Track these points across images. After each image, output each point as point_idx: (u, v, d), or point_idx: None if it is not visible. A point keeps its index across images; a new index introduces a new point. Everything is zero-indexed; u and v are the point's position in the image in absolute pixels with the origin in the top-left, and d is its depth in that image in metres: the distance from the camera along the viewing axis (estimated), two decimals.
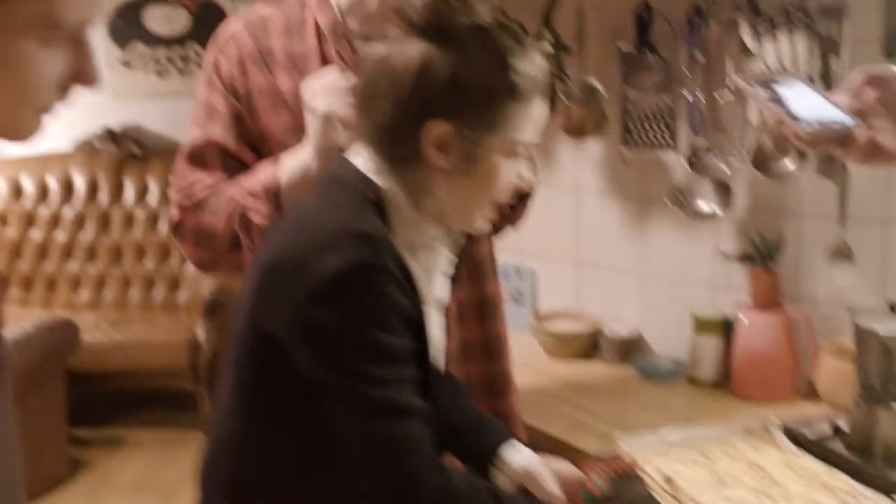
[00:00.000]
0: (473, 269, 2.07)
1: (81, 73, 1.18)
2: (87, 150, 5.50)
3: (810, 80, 1.62)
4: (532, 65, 1.52)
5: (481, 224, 1.61)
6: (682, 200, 2.77)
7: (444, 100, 1.49)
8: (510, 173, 1.57)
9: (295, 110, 1.88)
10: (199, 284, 5.13)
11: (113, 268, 5.34)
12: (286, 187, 1.83)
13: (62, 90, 1.18)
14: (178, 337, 4.93)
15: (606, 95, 2.88)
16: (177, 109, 5.24)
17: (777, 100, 1.58)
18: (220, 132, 1.94)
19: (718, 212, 2.73)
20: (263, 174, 1.85)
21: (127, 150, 5.47)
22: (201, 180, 1.94)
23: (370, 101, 1.54)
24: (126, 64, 5.60)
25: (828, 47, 2.47)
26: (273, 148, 1.92)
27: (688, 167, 2.75)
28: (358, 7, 1.95)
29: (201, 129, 1.96)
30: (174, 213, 1.97)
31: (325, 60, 1.95)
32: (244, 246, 1.89)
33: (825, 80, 2.44)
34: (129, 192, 5.42)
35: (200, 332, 4.91)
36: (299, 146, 1.84)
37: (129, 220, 5.40)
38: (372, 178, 1.55)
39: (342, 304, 1.44)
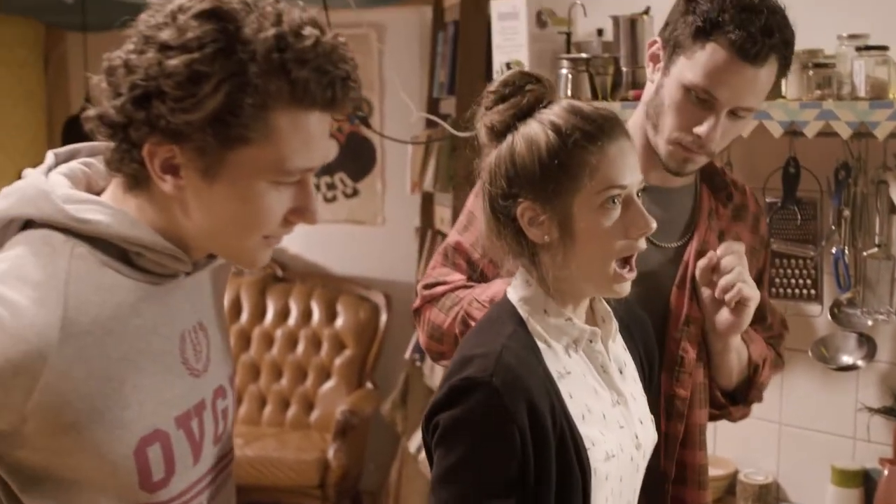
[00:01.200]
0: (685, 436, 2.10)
1: (304, 210, 1.41)
2: (232, 269, 5.71)
3: None
4: (579, 118, 1.61)
5: (617, 286, 1.67)
6: (824, 352, 2.80)
7: (512, 182, 1.63)
8: (608, 224, 1.62)
9: None
10: (332, 405, 5.25)
11: (249, 385, 5.49)
12: None
13: (287, 224, 1.41)
14: (309, 456, 5.04)
15: None
16: (321, 235, 5.43)
17: None
18: (471, 241, 2.08)
19: (861, 364, 2.75)
20: (495, 287, 1.96)
21: (270, 272, 5.68)
22: (445, 278, 2.08)
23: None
24: None
25: None
26: None
27: (831, 319, 2.78)
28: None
29: (458, 234, 2.12)
30: (417, 300, 2.13)
31: None
32: None
33: None
34: (270, 313, 5.61)
35: (331, 452, 5.01)
36: None
37: (268, 339, 5.56)
38: (512, 295, 1.71)
39: (443, 411, 1.60)
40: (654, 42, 2.06)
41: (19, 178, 1.42)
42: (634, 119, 2.14)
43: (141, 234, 1.36)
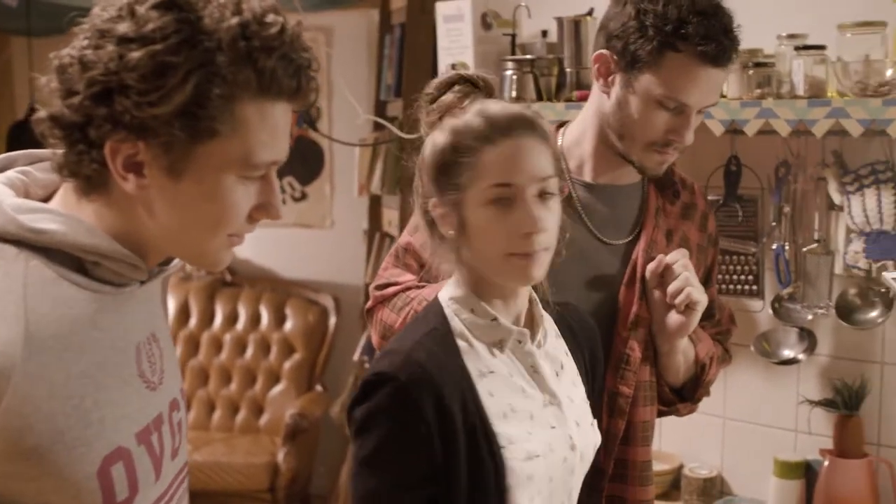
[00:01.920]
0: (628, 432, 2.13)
1: (268, 206, 1.37)
2: (180, 274, 5.70)
3: None
4: (480, 118, 1.67)
5: (519, 274, 1.68)
6: (766, 347, 2.85)
7: (423, 180, 1.73)
8: (495, 221, 1.65)
9: None
10: (281, 409, 5.24)
11: (198, 390, 5.47)
12: None
13: (251, 220, 1.37)
14: (258, 460, 5.03)
15: None
16: (270, 239, 5.43)
17: None
18: (421, 241, 2.09)
19: (802, 358, 2.80)
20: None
21: (219, 277, 5.66)
22: (397, 279, 2.11)
23: None
24: None
25: None
26: None
27: (772, 314, 2.83)
28: (575, 148, 2.15)
29: (409, 234, 2.15)
30: (370, 301, 2.16)
31: None
32: None
33: None
34: (219, 317, 5.59)
35: (280, 456, 5.01)
36: None
37: (216, 343, 5.55)
38: (442, 294, 1.77)
39: (358, 405, 1.66)
40: (601, 55, 2.07)
41: None
42: (581, 123, 2.18)
43: (98, 241, 1.31)
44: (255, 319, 5.55)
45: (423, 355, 1.64)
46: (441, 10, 3.26)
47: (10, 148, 1.70)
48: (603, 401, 2.07)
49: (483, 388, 1.67)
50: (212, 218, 1.33)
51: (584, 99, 2.85)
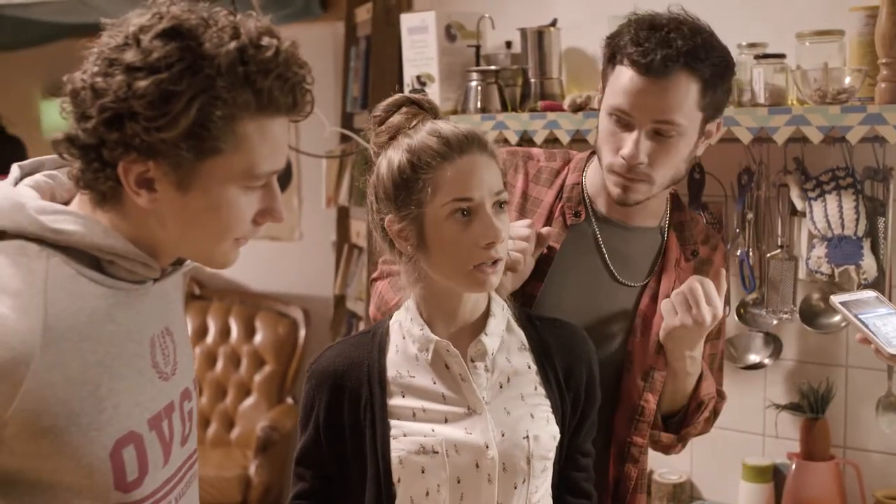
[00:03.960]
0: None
1: (271, 210, 1.49)
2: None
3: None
4: (434, 138, 1.78)
5: (477, 282, 1.80)
6: (732, 352, 2.87)
7: (378, 198, 1.84)
8: (456, 235, 1.77)
9: None
10: (252, 422, 5.24)
11: None
12: None
13: (256, 224, 1.49)
14: (230, 473, 5.02)
15: None
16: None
17: (866, 321, 1.81)
18: None
19: (768, 362, 2.83)
20: None
21: (188, 290, 5.63)
22: None
23: None
24: None
25: (874, 208, 2.60)
26: None
27: (738, 320, 2.86)
28: (595, 178, 2.16)
29: None
30: (376, 271, 2.23)
31: (551, 214, 2.15)
32: None
33: (873, 240, 2.57)
34: (189, 330, 5.55)
35: (252, 469, 5.00)
36: None
37: None
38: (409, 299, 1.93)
39: None
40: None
41: None
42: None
43: (114, 242, 1.42)
44: (224, 332, 5.54)
45: (336, 352, 1.92)
46: (406, 21, 3.28)
47: None
48: (612, 451, 2.13)
49: (397, 388, 1.85)
50: (219, 226, 1.45)
51: (548, 109, 2.90)
